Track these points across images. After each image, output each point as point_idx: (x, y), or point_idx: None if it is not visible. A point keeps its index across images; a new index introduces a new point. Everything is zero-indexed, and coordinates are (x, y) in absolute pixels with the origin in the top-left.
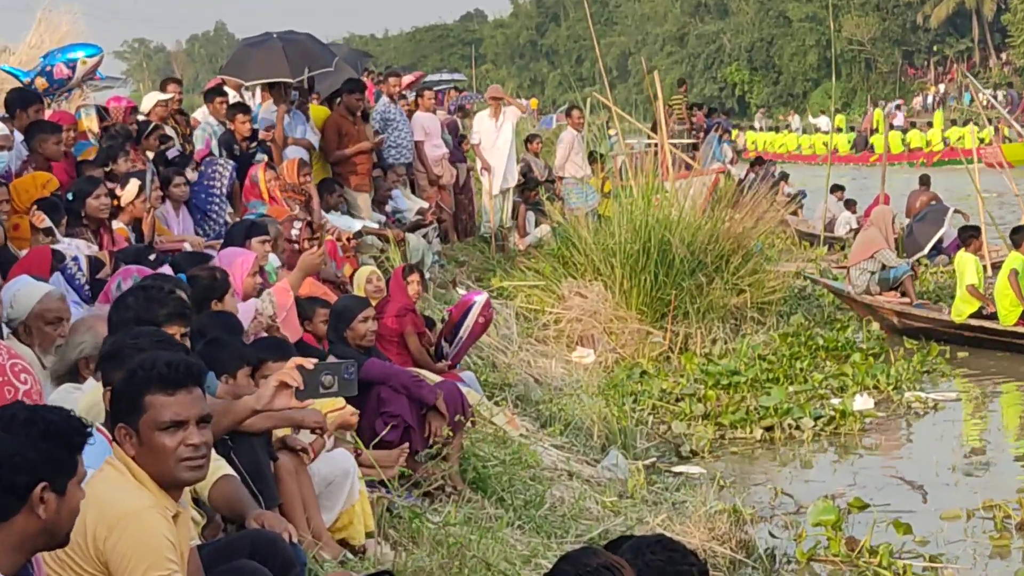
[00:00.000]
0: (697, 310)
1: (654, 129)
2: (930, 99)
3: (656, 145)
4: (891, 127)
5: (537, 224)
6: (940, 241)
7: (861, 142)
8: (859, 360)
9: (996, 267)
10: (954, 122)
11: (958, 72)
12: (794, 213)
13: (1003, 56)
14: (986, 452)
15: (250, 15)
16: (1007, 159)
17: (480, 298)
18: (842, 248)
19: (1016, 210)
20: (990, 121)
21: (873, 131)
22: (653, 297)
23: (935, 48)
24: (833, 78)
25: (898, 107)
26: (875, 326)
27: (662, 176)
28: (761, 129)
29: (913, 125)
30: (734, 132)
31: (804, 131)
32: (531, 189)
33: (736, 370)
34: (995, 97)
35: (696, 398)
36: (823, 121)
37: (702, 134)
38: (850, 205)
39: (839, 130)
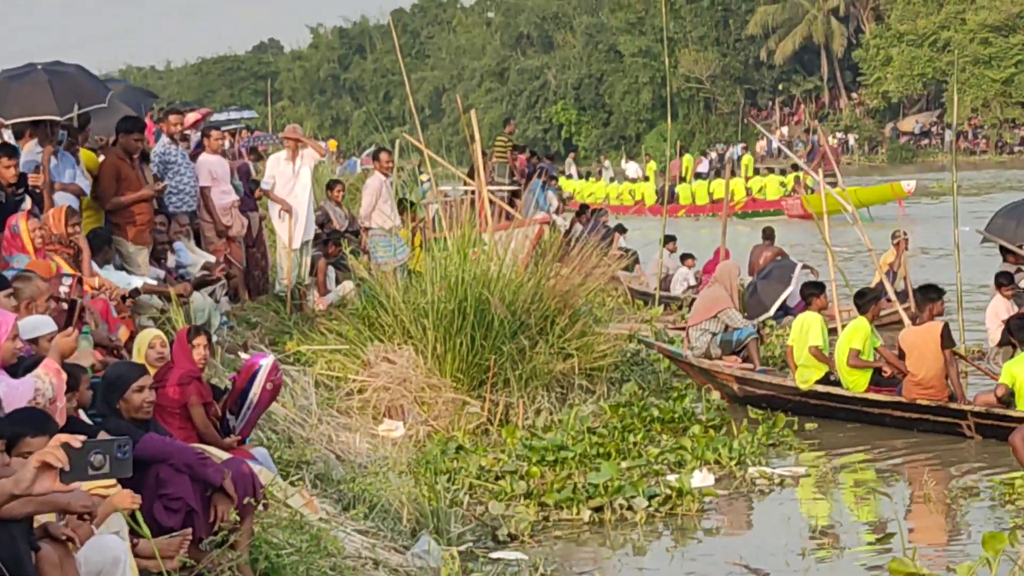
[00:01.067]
0: (519, 377)
1: (471, 174)
2: (775, 143)
3: (474, 192)
4: (697, 175)
5: (339, 281)
6: (787, 301)
7: (668, 191)
8: (698, 432)
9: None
10: (771, 170)
11: (805, 113)
12: (627, 269)
13: (854, 96)
14: (837, 535)
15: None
16: (808, 209)
17: (266, 362)
18: (679, 308)
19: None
20: (795, 168)
21: (682, 179)
22: (470, 363)
23: (780, 87)
24: (668, 119)
25: (744, 149)
26: (715, 395)
27: (480, 227)
28: (572, 176)
29: (718, 173)
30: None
31: (615, 179)
32: (332, 242)
33: (562, 444)
34: (846, 140)
35: (518, 475)
36: (632, 168)
37: (524, 180)
38: (687, 259)
39: (646, 178)
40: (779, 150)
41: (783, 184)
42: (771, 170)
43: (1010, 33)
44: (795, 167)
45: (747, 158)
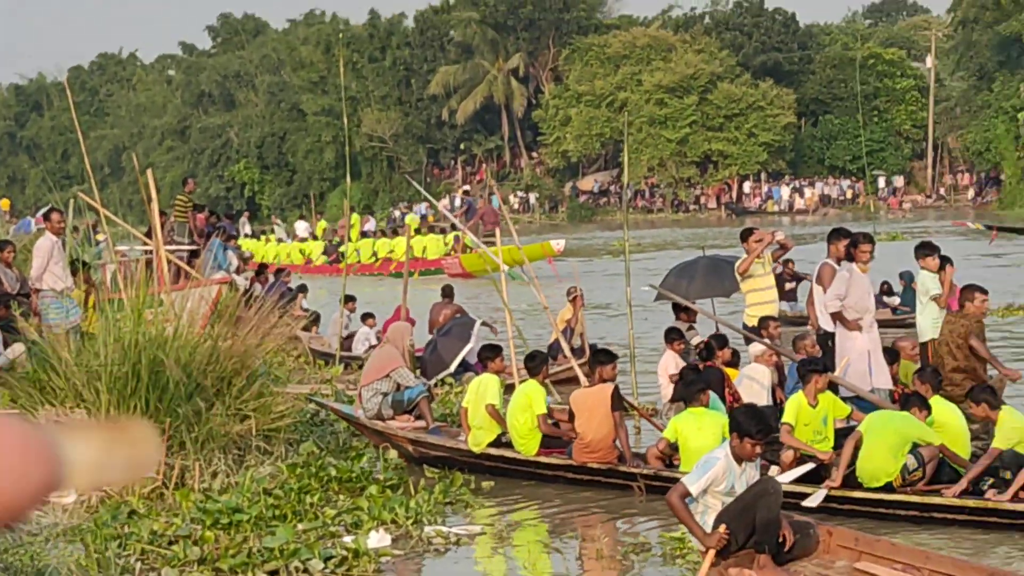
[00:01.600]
0: (195, 439)
1: (149, 234)
2: (458, 200)
3: (151, 252)
4: (362, 234)
5: (8, 344)
6: (467, 357)
7: (333, 250)
8: (375, 492)
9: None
10: (431, 229)
11: (487, 172)
12: (307, 328)
13: (535, 155)
14: None
15: None
16: (466, 268)
17: None
18: (360, 367)
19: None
20: (454, 228)
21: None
22: None
23: (462, 146)
24: (348, 178)
25: (408, 208)
26: (393, 454)
27: (157, 287)
28: (246, 236)
29: (396, 232)
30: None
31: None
32: (1, 304)
33: (238, 507)
34: (527, 199)
35: (191, 540)
36: (301, 227)
37: (203, 240)
38: (368, 318)
39: (315, 237)
40: (450, 208)
41: (445, 243)
42: (432, 229)
43: (684, 94)
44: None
45: (411, 217)
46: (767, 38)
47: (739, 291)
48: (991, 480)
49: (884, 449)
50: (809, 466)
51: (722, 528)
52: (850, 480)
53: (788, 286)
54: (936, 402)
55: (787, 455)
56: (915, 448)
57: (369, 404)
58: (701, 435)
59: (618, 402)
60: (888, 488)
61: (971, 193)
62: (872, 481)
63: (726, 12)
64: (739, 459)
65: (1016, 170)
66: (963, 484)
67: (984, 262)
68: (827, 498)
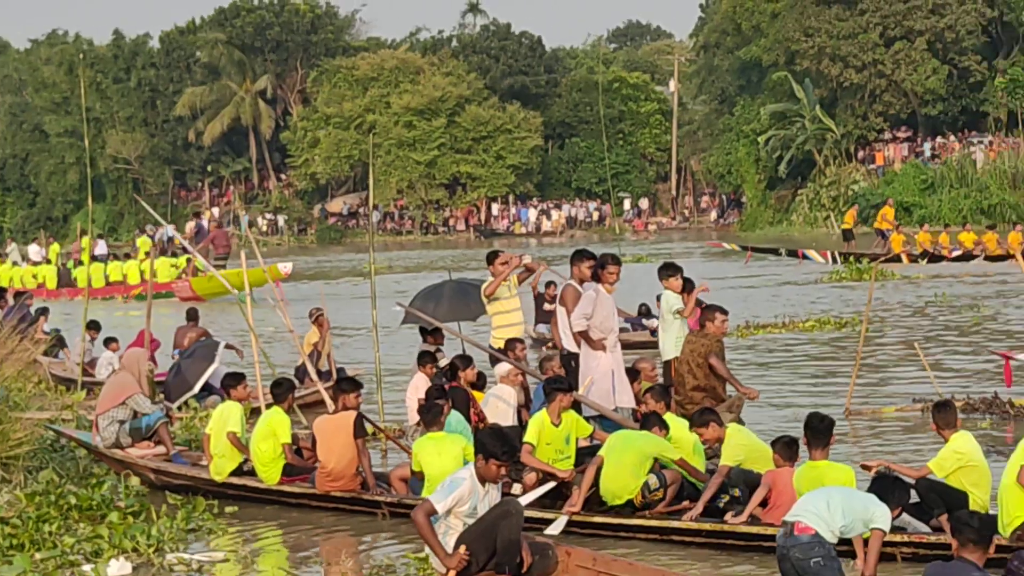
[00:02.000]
0: None
1: None
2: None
3: None
4: (93, 258)
5: None
6: (210, 379)
7: (66, 274)
8: (116, 520)
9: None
10: (163, 252)
11: (235, 194)
12: (49, 352)
13: (283, 177)
14: None
15: None
16: (196, 292)
17: None
18: None
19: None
20: (185, 251)
21: (79, 262)
22: None
23: (209, 168)
24: (90, 200)
25: (141, 231)
26: (135, 480)
27: None
28: None
29: (127, 256)
30: None
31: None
32: None
33: None
34: (275, 221)
35: None
36: (33, 250)
37: None
38: (111, 343)
39: (48, 260)
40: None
41: (175, 266)
42: (164, 252)
43: (432, 117)
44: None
45: (142, 240)
46: (514, 61)
47: (486, 314)
48: (726, 497)
49: (626, 468)
50: (550, 485)
51: (462, 549)
52: (594, 497)
53: (548, 308)
54: (670, 419)
55: (530, 476)
56: (659, 469)
57: (106, 432)
58: (441, 460)
59: (361, 429)
60: (630, 505)
61: (714, 215)
62: (614, 499)
63: (473, 35)
64: (483, 480)
65: (757, 192)
66: (699, 508)
67: (732, 283)
68: (570, 523)
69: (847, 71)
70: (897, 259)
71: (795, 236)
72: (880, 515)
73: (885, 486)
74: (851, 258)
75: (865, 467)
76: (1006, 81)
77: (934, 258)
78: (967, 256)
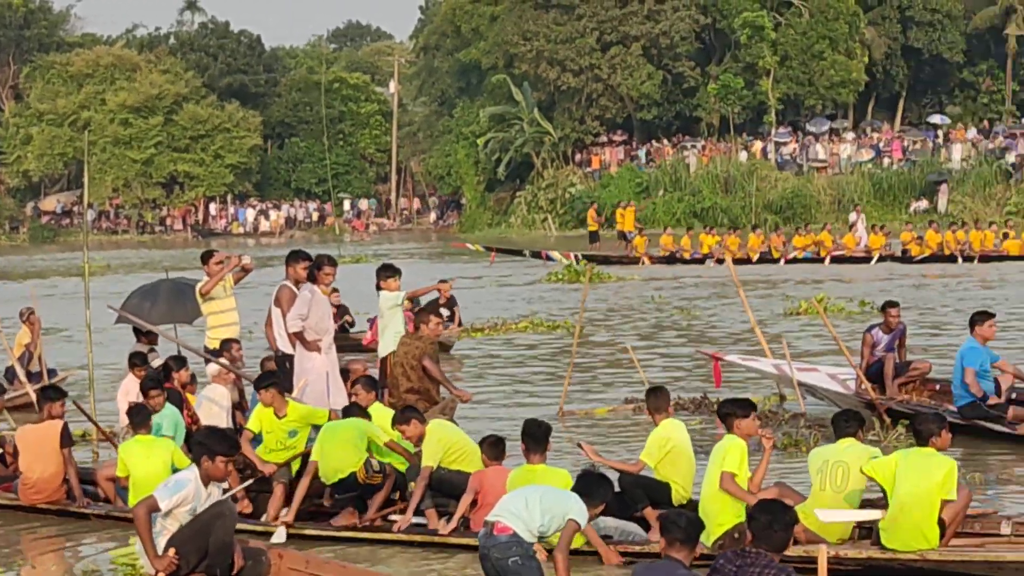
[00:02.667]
0: None
1: None
2: None
3: None
4: None
5: None
6: None
7: None
8: None
9: None
10: None
11: None
12: None
13: None
14: None
15: None
16: None
17: None
18: None
19: None
20: None
21: None
22: None
23: None
24: None
25: None
26: None
27: None
28: None
29: None
30: None
31: None
32: None
33: None
34: None
35: None
36: None
37: None
38: None
39: None
40: None
41: None
42: None
43: (149, 115)
44: None
45: None
46: (233, 60)
47: (202, 315)
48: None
49: (343, 444)
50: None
51: (171, 552)
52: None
53: (345, 319)
54: (378, 408)
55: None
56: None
57: None
58: (148, 464)
59: (67, 439)
60: (353, 479)
61: (433, 216)
62: (336, 474)
63: (191, 33)
64: (208, 481)
65: (476, 194)
66: (409, 516)
67: (464, 283)
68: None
69: (564, 75)
70: (637, 261)
71: (513, 237)
72: (576, 509)
73: (589, 482)
74: (582, 260)
75: (580, 446)
76: (718, 87)
77: (672, 260)
78: (707, 259)
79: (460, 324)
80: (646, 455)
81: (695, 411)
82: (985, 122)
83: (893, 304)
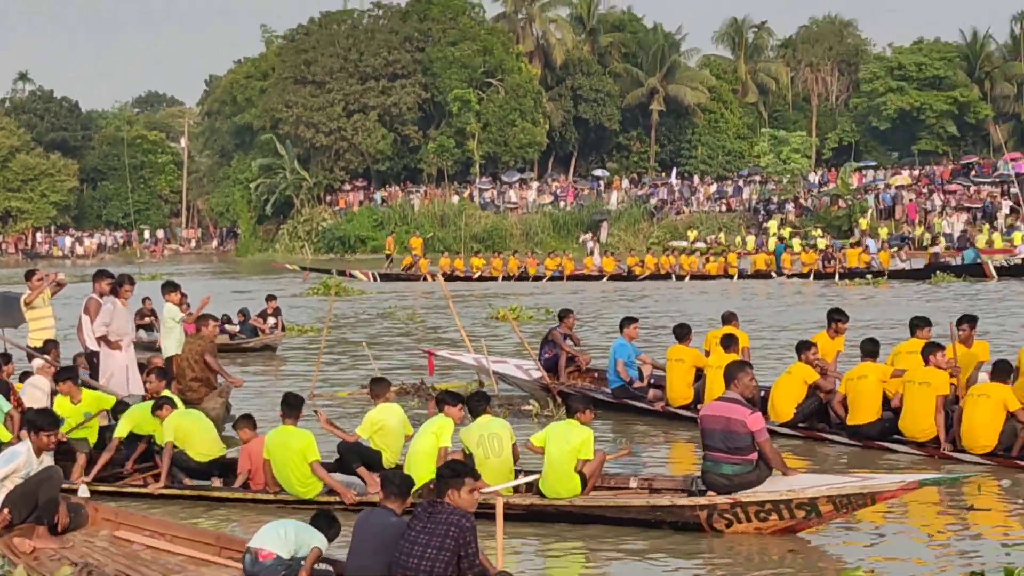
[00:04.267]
0: None
1: None
2: None
3: None
4: None
5: None
6: None
7: None
8: None
9: None
10: None
11: None
12: None
13: None
14: None
15: None
16: None
17: None
18: None
19: None
20: None
21: None
22: None
23: None
24: None
25: None
26: None
27: None
28: None
29: None
30: None
31: None
32: None
33: None
34: None
35: None
36: None
37: None
38: None
39: None
40: None
41: None
42: None
43: None
44: None
45: None
46: (56, 120)
47: (26, 321)
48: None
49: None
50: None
51: (6, 511)
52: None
53: (148, 319)
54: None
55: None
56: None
57: None
58: None
59: None
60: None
61: (215, 243)
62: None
63: (23, 98)
64: (39, 451)
65: (249, 226)
66: (163, 481)
67: (251, 296)
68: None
69: (317, 135)
70: (420, 278)
71: (277, 259)
72: (318, 539)
73: (324, 521)
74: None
75: (316, 412)
76: (436, 146)
77: (454, 278)
78: (482, 278)
79: (283, 329)
80: (360, 429)
81: (414, 394)
82: (635, 175)
83: (568, 312)
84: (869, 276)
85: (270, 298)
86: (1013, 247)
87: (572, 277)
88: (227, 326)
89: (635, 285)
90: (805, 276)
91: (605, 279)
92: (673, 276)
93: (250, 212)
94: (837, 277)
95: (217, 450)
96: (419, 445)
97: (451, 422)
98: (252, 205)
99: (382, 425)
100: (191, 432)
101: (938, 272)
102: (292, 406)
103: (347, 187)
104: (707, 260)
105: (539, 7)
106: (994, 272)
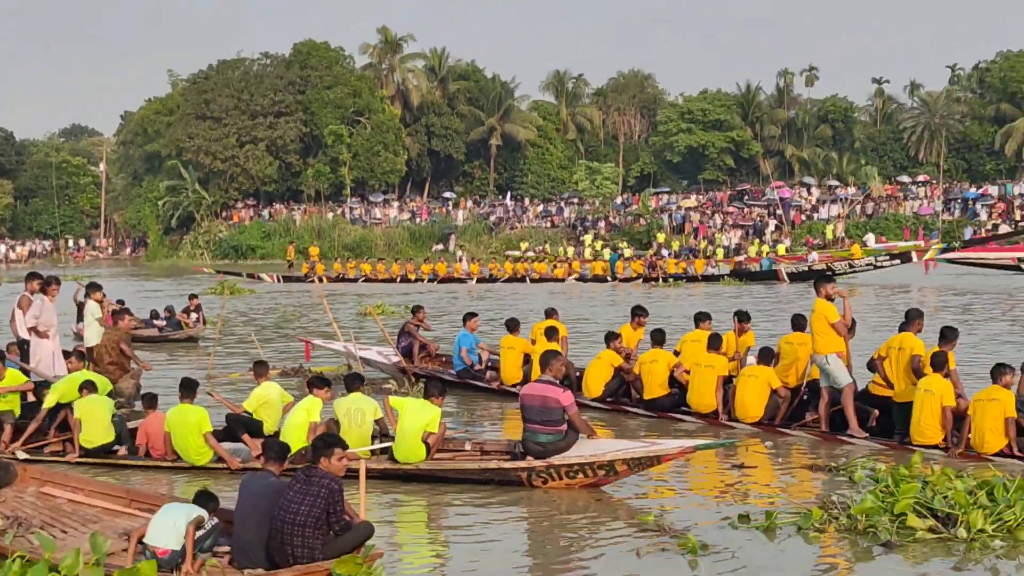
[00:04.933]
0: None
1: None
2: None
3: None
4: None
5: None
6: None
7: None
8: None
9: None
10: None
11: None
12: None
13: None
14: None
15: None
16: None
17: None
18: None
19: None
20: None
21: None
22: None
23: None
24: None
25: None
26: None
27: None
28: None
29: None
30: None
31: None
32: None
33: None
34: None
35: None
36: None
37: None
38: None
39: None
40: None
41: None
42: None
43: None
44: None
45: None
46: None
47: None
48: None
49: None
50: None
51: None
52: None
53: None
54: (86, 374)
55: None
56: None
57: None
58: None
59: None
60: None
61: (128, 251)
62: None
63: None
64: None
65: (157, 237)
66: (76, 452)
67: (169, 294)
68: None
69: (215, 162)
70: (319, 280)
71: (181, 265)
72: (200, 513)
73: (205, 497)
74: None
75: (211, 395)
76: (314, 171)
77: (341, 280)
78: (368, 280)
79: (204, 323)
80: (246, 404)
81: (294, 375)
82: (477, 196)
83: (419, 307)
84: (683, 280)
85: (192, 296)
86: (778, 256)
87: (444, 280)
88: (155, 321)
89: (497, 286)
90: (635, 280)
91: (473, 281)
92: (527, 279)
93: (158, 225)
94: (660, 281)
95: (101, 439)
96: (293, 419)
97: (320, 401)
98: (160, 219)
99: (265, 399)
100: (87, 420)
101: (743, 278)
102: (188, 388)
103: (240, 205)
104: (555, 266)
105: (399, 59)
106: (787, 277)
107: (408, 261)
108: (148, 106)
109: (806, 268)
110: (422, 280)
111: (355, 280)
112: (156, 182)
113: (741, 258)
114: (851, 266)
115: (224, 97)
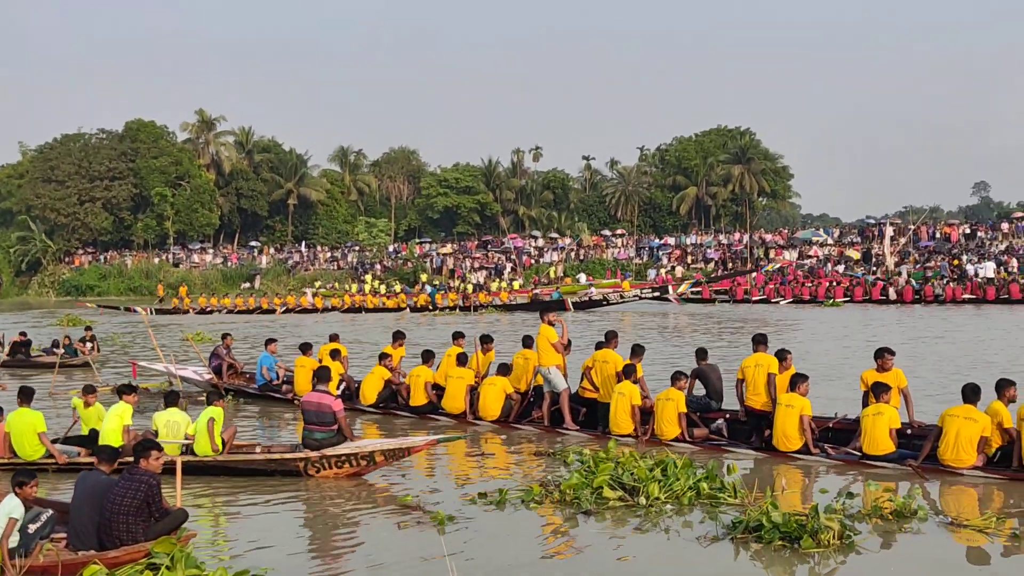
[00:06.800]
0: None
1: None
2: None
3: None
4: None
5: None
6: None
7: None
8: None
9: None
10: None
11: None
12: None
13: None
14: None
15: None
16: None
17: None
18: None
19: None
20: None
21: None
22: None
23: None
24: None
25: None
26: None
27: None
28: None
29: None
30: None
31: None
32: None
33: None
34: None
35: None
36: None
37: None
38: None
39: None
40: None
41: None
42: None
43: None
44: None
45: None
46: None
47: None
48: None
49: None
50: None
51: None
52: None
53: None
54: None
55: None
56: None
57: None
58: None
59: None
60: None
61: None
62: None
63: None
64: None
65: (9, 278)
66: None
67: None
68: None
69: (59, 217)
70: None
71: (31, 303)
72: (12, 504)
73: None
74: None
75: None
76: (143, 225)
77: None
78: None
79: (98, 350)
80: (85, 420)
81: (121, 392)
82: (278, 245)
83: (227, 334)
84: (494, 308)
85: (87, 328)
86: (512, 291)
87: (295, 310)
88: (55, 349)
89: (335, 316)
90: (452, 309)
91: (319, 312)
92: (363, 310)
93: (10, 268)
94: (473, 310)
95: None
96: (109, 424)
97: (130, 407)
98: (11, 264)
99: (98, 414)
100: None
101: (537, 307)
102: (26, 394)
103: (80, 252)
104: (388, 298)
105: (213, 135)
106: (572, 305)
107: (276, 296)
108: (1, 171)
109: (587, 298)
110: (274, 311)
111: (220, 311)
112: (9, 233)
113: (538, 291)
114: (621, 296)
115: (67, 164)
